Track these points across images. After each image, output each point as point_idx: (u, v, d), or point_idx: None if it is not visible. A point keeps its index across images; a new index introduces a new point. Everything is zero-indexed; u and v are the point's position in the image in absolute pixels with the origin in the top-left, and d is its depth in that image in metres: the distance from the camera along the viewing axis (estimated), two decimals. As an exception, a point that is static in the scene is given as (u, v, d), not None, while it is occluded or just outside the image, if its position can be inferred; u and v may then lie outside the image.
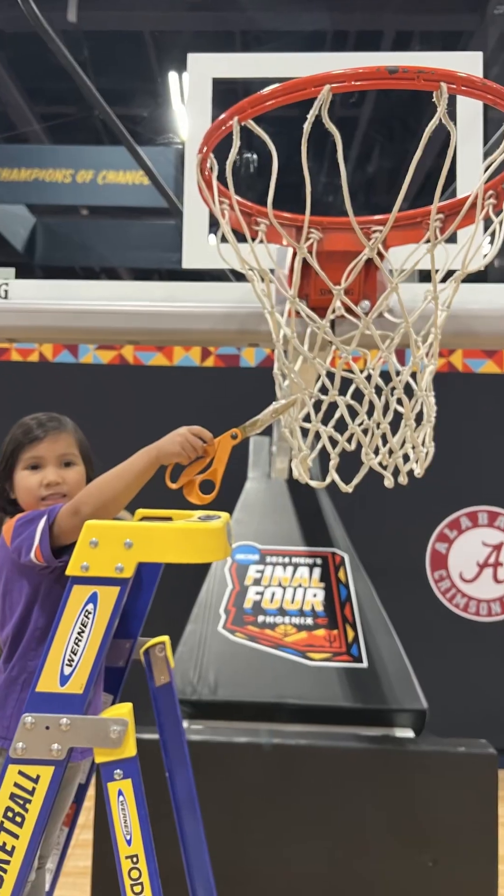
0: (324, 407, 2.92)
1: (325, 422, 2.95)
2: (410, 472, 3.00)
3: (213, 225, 3.18)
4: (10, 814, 2.12)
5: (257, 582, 4.65)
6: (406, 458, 2.99)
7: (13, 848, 2.12)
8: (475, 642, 6.66)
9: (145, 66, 10.79)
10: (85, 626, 2.12)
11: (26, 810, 2.11)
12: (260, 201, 2.83)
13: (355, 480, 2.86)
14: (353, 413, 2.88)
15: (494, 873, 3.66)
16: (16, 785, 2.11)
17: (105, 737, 2.11)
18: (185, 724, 3.61)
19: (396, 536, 6.63)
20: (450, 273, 2.91)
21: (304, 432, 3.06)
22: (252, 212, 3.01)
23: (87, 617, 2.12)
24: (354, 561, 4.82)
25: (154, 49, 10.55)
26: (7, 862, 2.12)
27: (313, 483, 3.12)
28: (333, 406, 2.89)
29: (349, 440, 2.89)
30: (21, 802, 2.11)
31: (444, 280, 2.88)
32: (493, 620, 6.68)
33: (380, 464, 2.89)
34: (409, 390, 2.90)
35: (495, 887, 3.64)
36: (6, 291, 3.63)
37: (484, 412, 6.70)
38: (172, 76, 10.46)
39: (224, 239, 2.86)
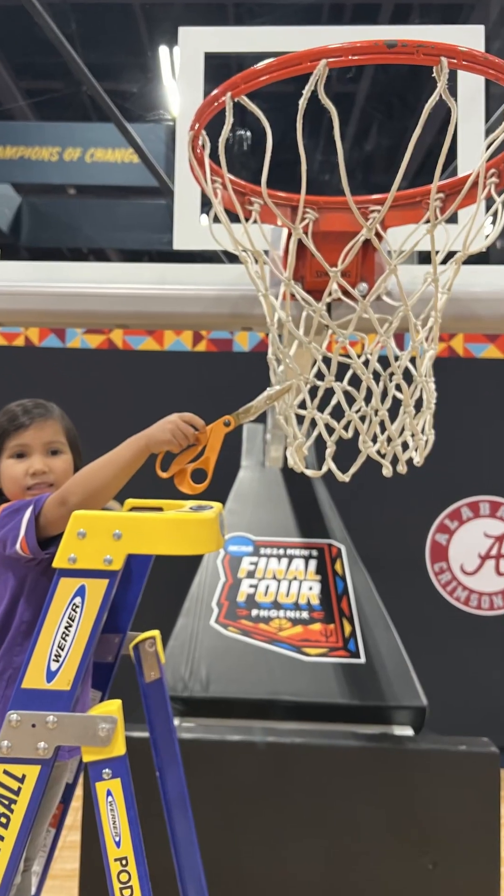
0: (320, 393, 2.92)
1: (321, 408, 2.94)
2: (410, 461, 3.00)
3: (206, 205, 3.17)
4: (-6, 814, 2.12)
5: (251, 574, 4.65)
6: (405, 446, 2.99)
7: (-2, 850, 2.12)
8: (476, 637, 6.66)
9: (135, 40, 10.78)
10: (72, 621, 2.12)
11: (11, 811, 2.11)
12: (254, 180, 2.82)
13: (352, 469, 2.86)
14: (351, 399, 2.87)
15: (497, 876, 3.66)
16: (1, 785, 2.12)
17: (93, 735, 2.11)
18: (176, 721, 3.61)
19: (395, 527, 6.63)
20: (450, 254, 2.91)
21: (300, 419, 3.06)
22: (245, 191, 3.01)
23: (74, 611, 2.12)
24: (352, 553, 4.82)
25: (144, 22, 10.54)
26: (-8, 864, 2.12)
27: (309, 472, 3.11)
28: (330, 392, 2.88)
29: (346, 427, 2.88)
30: (6, 803, 2.11)
31: (444, 262, 2.87)
32: (495, 614, 6.69)
33: (378, 452, 2.89)
34: (408, 376, 2.90)
35: (497, 890, 3.65)
36: (-10, 273, 3.63)
37: (486, 398, 6.70)
38: (163, 50, 10.44)
39: (216, 219, 2.85)
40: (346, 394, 2.88)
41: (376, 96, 10.71)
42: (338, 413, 2.87)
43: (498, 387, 6.69)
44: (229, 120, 2.52)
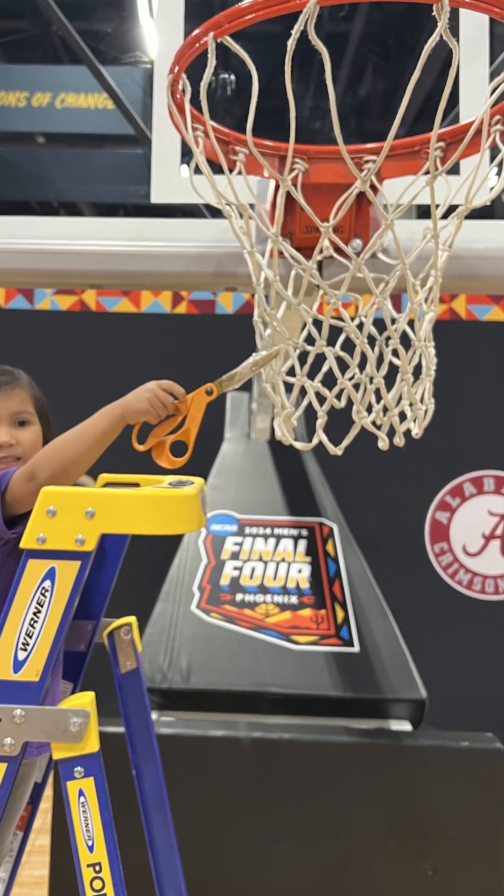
0: (310, 359, 2.91)
1: (311, 376, 2.94)
2: (407, 433, 3.00)
3: (186, 154, 3.17)
4: (-43, 816, 2.12)
5: (235, 556, 4.66)
6: (403, 416, 2.99)
7: (-39, 854, 2.12)
8: (480, 624, 6.66)
9: (109, -25, 10.73)
10: (41, 606, 2.12)
11: (-25, 812, 2.11)
12: (238, 128, 2.81)
13: (345, 442, 2.86)
14: (343, 366, 2.87)
15: (501, 881, 3.68)
16: (-36, 784, 2.12)
17: (64, 730, 2.11)
18: (154, 715, 3.62)
19: (392, 505, 6.62)
20: (451, 208, 2.91)
21: (288, 387, 3.06)
22: (229, 139, 3.00)
23: (43, 595, 2.12)
24: (344, 532, 4.82)
25: (119, -45, 10.48)
26: (-45, 870, 2.12)
27: (298, 444, 3.11)
28: (321, 358, 2.88)
29: (339, 396, 2.88)
30: (-30, 803, 2.11)
31: (445, 216, 2.87)
32: (500, 599, 6.68)
33: (373, 423, 2.89)
34: (405, 340, 2.90)
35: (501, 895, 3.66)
36: (-48, 229, 3.62)
37: (490, 364, 6.68)
38: (140, -14, 10.40)
39: (198, 170, 2.85)
40: (339, 360, 2.87)
41: (371, 37, 10.65)
42: (329, 381, 2.87)
43: (503, 352, 6.68)
44: (212, 62, 2.51)
